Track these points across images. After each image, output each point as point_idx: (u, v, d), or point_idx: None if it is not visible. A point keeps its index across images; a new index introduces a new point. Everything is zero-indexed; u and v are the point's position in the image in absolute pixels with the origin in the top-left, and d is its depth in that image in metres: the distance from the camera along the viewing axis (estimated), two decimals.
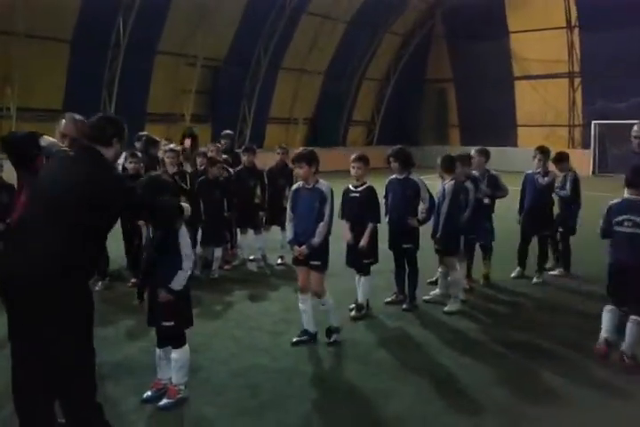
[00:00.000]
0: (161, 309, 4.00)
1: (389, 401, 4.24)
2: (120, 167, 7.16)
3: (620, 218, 4.84)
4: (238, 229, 8.22)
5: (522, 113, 25.04)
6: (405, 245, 6.24)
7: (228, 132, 9.79)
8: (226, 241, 7.94)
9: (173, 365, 4.09)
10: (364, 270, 6.00)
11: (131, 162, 6.96)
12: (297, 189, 5.26)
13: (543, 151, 7.38)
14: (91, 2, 15.56)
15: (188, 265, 3.98)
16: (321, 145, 23.00)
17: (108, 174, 3.41)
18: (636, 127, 5.57)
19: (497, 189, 7.15)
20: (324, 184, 5.15)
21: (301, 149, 5.43)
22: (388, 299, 6.50)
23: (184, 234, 3.99)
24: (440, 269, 6.61)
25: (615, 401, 4.28)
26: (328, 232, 5.14)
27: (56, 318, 3.13)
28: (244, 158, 8.12)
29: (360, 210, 5.88)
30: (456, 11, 24.80)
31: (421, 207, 6.18)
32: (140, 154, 7.43)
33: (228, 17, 19.06)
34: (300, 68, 22.93)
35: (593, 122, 22.38)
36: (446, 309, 6.24)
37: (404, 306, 6.29)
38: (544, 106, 24.10)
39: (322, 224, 5.05)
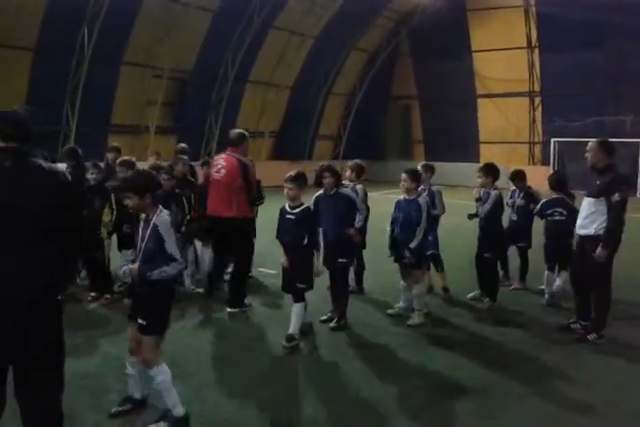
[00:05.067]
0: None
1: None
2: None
3: None
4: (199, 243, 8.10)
5: (484, 130, 25.59)
6: (340, 260, 6.07)
7: (184, 146, 9.66)
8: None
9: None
10: (298, 296, 5.63)
11: (92, 173, 6.86)
12: None
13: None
14: (55, 9, 15.29)
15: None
16: (287, 158, 23.11)
17: (64, 178, 3.20)
18: (590, 143, 5.78)
19: (433, 207, 7.04)
20: None
21: None
22: (324, 317, 6.31)
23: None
24: (403, 283, 6.59)
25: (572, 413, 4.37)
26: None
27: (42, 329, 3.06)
28: (203, 172, 8.01)
29: (294, 233, 5.55)
30: (421, 29, 25.28)
31: (358, 218, 6.22)
32: (102, 165, 7.32)
33: (195, 29, 19.03)
34: (268, 81, 23.00)
35: (552, 140, 23.00)
36: (410, 322, 6.27)
37: (332, 325, 6.11)
38: (505, 123, 24.69)
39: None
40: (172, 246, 3.91)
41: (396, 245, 6.39)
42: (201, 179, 8.04)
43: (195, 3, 18.39)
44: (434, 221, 7.16)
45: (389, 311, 6.64)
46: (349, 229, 6.18)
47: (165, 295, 4.01)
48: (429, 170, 7.31)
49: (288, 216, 5.59)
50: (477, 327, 6.31)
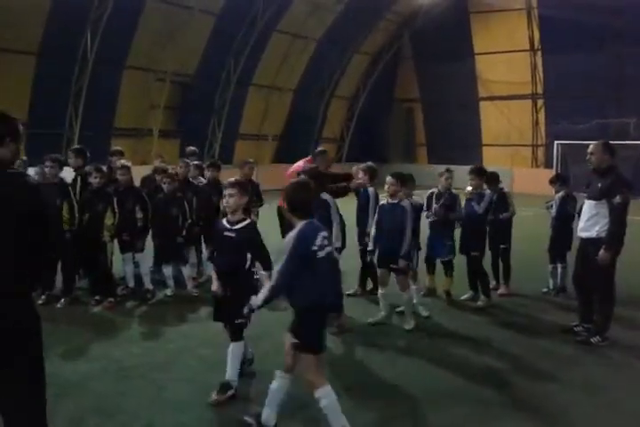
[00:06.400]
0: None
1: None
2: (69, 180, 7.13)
3: None
4: (203, 245, 8.10)
5: (487, 133, 25.61)
6: None
7: (193, 148, 9.73)
8: (186, 259, 7.62)
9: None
10: (235, 334, 4.53)
11: (95, 177, 6.87)
12: None
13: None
14: (58, 14, 15.40)
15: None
16: (290, 161, 23.11)
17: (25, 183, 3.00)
18: (591, 146, 5.77)
19: (452, 211, 7.11)
20: None
21: None
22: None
23: None
24: (381, 291, 6.33)
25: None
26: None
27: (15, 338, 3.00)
28: (208, 174, 8.09)
29: (234, 255, 4.46)
30: (423, 32, 25.35)
31: (335, 233, 5.66)
32: (104, 168, 7.32)
33: (198, 33, 19.10)
34: (271, 84, 23.05)
35: (555, 142, 22.97)
36: (406, 327, 6.19)
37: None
38: (508, 126, 24.70)
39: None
40: (281, 265, 3.70)
41: (382, 251, 6.24)
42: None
43: (197, 6, 18.46)
44: (451, 225, 7.18)
45: (370, 320, 6.32)
46: None
47: (307, 315, 3.71)
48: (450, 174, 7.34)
49: (227, 234, 4.47)
50: (480, 330, 6.29)
